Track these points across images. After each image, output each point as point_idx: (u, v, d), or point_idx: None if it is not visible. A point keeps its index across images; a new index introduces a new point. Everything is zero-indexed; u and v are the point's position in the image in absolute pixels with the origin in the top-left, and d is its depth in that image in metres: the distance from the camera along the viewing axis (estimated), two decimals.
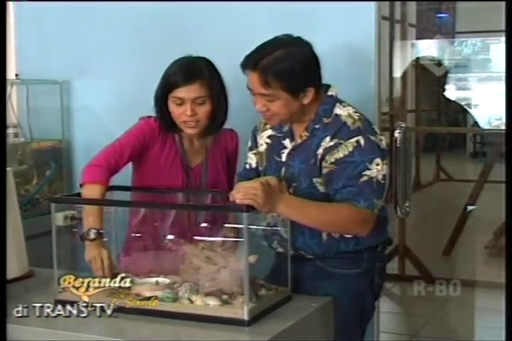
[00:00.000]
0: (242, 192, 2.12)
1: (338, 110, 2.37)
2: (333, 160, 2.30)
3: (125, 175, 2.68)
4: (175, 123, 2.60)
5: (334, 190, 2.30)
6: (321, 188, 2.35)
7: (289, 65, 2.26)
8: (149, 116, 2.66)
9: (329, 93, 2.41)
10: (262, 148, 2.54)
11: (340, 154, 2.29)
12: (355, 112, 2.38)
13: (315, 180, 2.35)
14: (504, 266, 2.14)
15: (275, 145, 2.49)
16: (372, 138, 2.31)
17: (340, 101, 2.41)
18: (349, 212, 2.26)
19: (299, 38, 2.35)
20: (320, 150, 2.34)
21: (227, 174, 2.77)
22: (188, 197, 2.65)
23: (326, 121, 2.36)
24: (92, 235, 2.35)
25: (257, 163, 2.58)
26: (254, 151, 2.59)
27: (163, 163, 2.63)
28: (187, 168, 2.68)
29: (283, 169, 2.43)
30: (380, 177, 2.29)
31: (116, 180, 2.59)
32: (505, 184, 2.19)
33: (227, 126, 2.70)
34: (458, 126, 12.15)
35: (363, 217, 2.27)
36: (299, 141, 2.42)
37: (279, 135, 2.49)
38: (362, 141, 2.29)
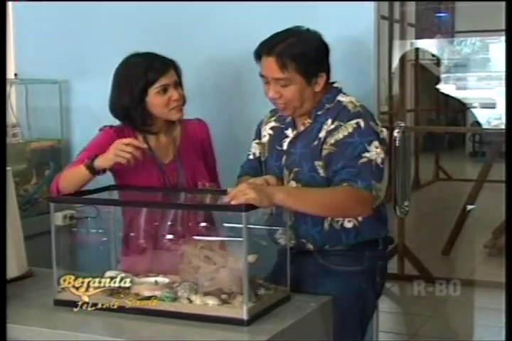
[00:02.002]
0: (235, 199, 2.11)
1: (341, 97, 2.43)
2: (333, 141, 2.34)
3: None
4: (150, 122, 2.63)
5: (333, 172, 2.32)
6: (322, 172, 2.38)
7: (303, 49, 2.35)
8: (111, 126, 2.68)
9: (334, 85, 2.47)
10: (265, 139, 2.59)
11: (340, 135, 2.33)
12: (358, 101, 2.43)
13: (316, 163, 2.38)
14: (504, 265, 2.14)
15: (277, 136, 2.54)
16: (372, 123, 2.36)
17: (344, 92, 2.46)
18: (347, 193, 2.26)
19: (308, 29, 2.42)
20: (322, 133, 2.38)
21: (207, 165, 2.78)
22: (185, 196, 2.65)
23: (328, 106, 2.42)
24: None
25: (260, 152, 2.62)
26: (257, 141, 2.64)
27: (133, 166, 2.52)
28: (160, 165, 2.67)
29: (283, 157, 2.47)
30: (379, 160, 2.31)
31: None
32: (505, 183, 2.19)
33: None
34: (457, 125, 12.16)
35: (362, 196, 2.26)
36: (302, 128, 2.46)
37: (282, 126, 2.54)
38: (362, 123, 2.33)
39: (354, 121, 2.33)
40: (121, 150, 2.40)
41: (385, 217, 2.50)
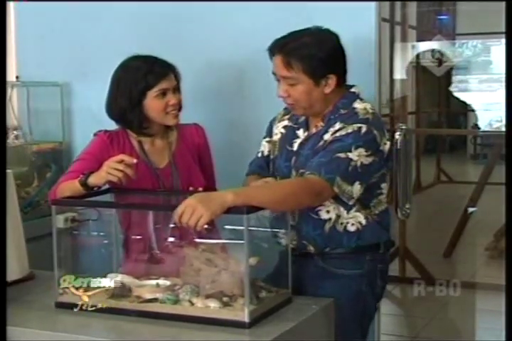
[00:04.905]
0: (186, 218, 2.04)
1: (357, 104, 2.41)
2: (331, 138, 2.33)
3: None
4: (146, 125, 2.63)
5: (308, 164, 2.30)
6: None
7: (312, 49, 2.33)
8: (106, 131, 2.68)
9: (352, 90, 2.45)
10: (276, 137, 2.58)
11: (337, 134, 2.32)
12: (372, 108, 2.41)
13: None
14: (504, 267, 2.14)
15: (288, 136, 2.52)
16: (376, 132, 2.32)
17: (361, 98, 2.44)
18: (300, 186, 2.24)
19: (327, 30, 2.41)
20: (327, 136, 2.36)
21: (203, 170, 2.77)
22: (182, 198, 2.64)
23: (342, 112, 2.39)
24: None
25: (269, 151, 2.61)
26: (267, 139, 2.62)
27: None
28: (154, 170, 2.67)
29: (293, 158, 2.46)
30: (359, 163, 2.27)
31: None
32: (506, 186, 2.19)
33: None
34: (458, 127, 12.16)
35: (316, 187, 2.23)
36: (313, 130, 2.45)
37: (295, 126, 2.52)
38: (363, 129, 2.31)
39: (357, 125, 2.31)
40: (112, 168, 2.38)
41: (388, 222, 2.50)
